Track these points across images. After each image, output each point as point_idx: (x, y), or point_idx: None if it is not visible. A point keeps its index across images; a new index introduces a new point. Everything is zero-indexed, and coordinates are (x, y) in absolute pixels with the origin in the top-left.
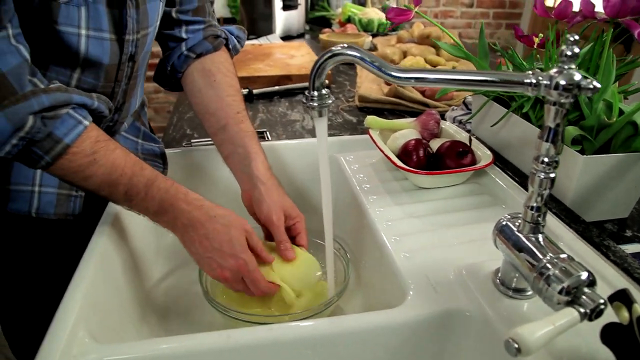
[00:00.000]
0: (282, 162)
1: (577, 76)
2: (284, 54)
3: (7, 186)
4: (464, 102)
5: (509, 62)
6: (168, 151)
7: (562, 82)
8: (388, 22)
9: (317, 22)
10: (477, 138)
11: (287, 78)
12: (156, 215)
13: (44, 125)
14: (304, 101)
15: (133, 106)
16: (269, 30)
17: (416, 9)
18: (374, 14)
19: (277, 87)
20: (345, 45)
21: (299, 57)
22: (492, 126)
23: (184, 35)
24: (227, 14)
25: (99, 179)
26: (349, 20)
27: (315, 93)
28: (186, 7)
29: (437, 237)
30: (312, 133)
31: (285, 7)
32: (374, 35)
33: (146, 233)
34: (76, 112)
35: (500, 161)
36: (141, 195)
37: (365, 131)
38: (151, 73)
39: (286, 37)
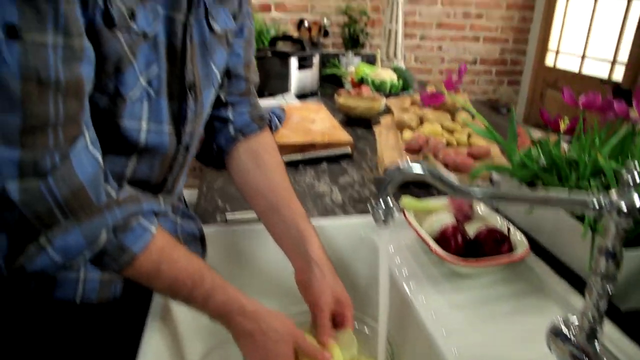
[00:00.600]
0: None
1: (638, 202)
2: (304, 117)
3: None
4: (490, 180)
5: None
6: (206, 229)
7: (624, 208)
8: (399, 83)
9: (329, 80)
10: (509, 219)
11: (311, 146)
12: (212, 318)
13: (116, 237)
14: (370, 210)
15: (179, 190)
16: (284, 88)
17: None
18: (386, 75)
19: (301, 156)
20: (411, 162)
21: (319, 122)
22: (526, 213)
23: (230, 116)
24: None
25: (161, 287)
26: (362, 80)
27: (382, 203)
28: (235, 89)
29: (485, 332)
30: (342, 208)
31: (301, 67)
32: (386, 96)
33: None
34: (144, 219)
35: (531, 243)
36: (199, 305)
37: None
38: None
39: (301, 96)
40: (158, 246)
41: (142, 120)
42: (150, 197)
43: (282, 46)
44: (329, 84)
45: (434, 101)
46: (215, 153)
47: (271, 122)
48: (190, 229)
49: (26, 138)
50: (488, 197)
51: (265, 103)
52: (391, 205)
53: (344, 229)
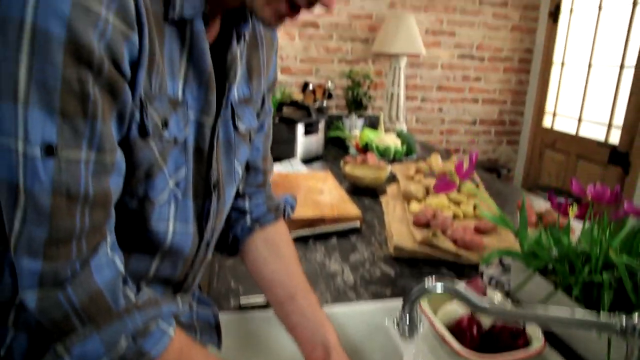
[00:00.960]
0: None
1: None
2: (311, 188)
3: None
4: (500, 262)
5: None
6: (221, 316)
7: None
8: (403, 148)
9: (333, 142)
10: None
11: (320, 220)
12: None
13: (135, 343)
14: (395, 322)
15: (198, 280)
16: (290, 153)
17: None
18: (390, 140)
19: (311, 231)
20: (438, 282)
21: (327, 193)
22: (539, 302)
23: (247, 207)
24: None
25: None
26: (366, 146)
27: (407, 318)
28: (252, 181)
29: None
30: (353, 290)
31: (307, 132)
32: (391, 162)
33: None
34: (163, 321)
35: (547, 333)
36: None
37: (405, 287)
38: None
39: (306, 160)
40: (176, 348)
41: (170, 222)
42: (170, 299)
43: (288, 112)
44: (333, 147)
45: (446, 189)
46: (230, 242)
47: (285, 210)
48: (206, 316)
49: (50, 250)
50: (512, 316)
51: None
52: (416, 320)
53: (357, 316)
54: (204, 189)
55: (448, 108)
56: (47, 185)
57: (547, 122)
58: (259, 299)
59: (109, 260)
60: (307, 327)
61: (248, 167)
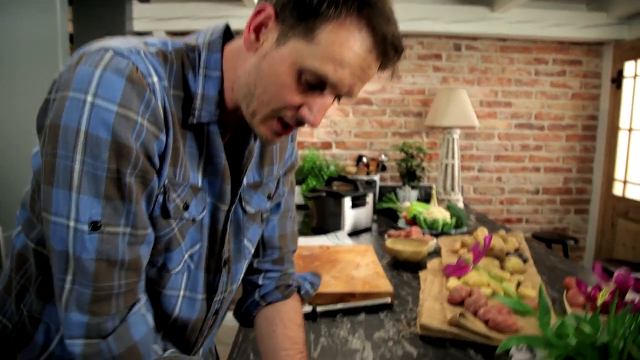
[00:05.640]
0: None
1: None
2: (349, 262)
3: None
4: (528, 347)
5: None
6: None
7: None
8: (452, 221)
9: (384, 213)
10: None
11: (351, 295)
12: None
13: None
14: None
15: (208, 344)
16: (337, 226)
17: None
18: (439, 214)
19: (340, 305)
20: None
21: (363, 268)
22: None
23: (260, 282)
24: (300, 201)
25: None
26: (414, 218)
27: None
28: (267, 257)
29: None
30: None
31: (354, 206)
32: (437, 235)
33: None
34: None
35: None
36: None
37: None
38: None
39: (354, 233)
40: None
41: (181, 291)
42: (190, 356)
43: (337, 186)
44: (384, 218)
45: (458, 273)
46: (243, 312)
47: (300, 288)
48: None
49: (95, 306)
50: None
51: (316, 241)
52: None
53: None
54: (215, 264)
55: (507, 177)
56: (92, 254)
57: (617, 190)
58: None
59: (142, 318)
60: None
61: (264, 245)
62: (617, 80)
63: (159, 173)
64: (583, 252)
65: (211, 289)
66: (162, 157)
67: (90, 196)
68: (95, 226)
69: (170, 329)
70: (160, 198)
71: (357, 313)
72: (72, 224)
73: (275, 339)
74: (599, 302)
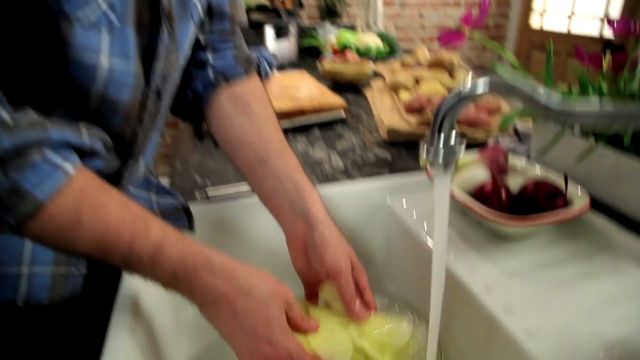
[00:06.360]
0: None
1: None
2: (286, 85)
3: None
4: (515, 131)
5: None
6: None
7: None
8: (385, 47)
9: (307, 52)
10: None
11: (299, 112)
12: (168, 286)
13: (5, 175)
14: (423, 153)
15: (150, 153)
16: None
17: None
18: (370, 40)
19: (290, 123)
20: (481, 78)
21: (304, 89)
22: (577, 161)
23: (210, 59)
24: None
25: (86, 245)
26: (345, 47)
27: (440, 142)
28: (216, 28)
29: (557, 302)
30: (345, 174)
31: (278, 36)
32: (372, 62)
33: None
34: (55, 154)
35: None
36: (145, 265)
37: (406, 168)
38: None
39: (279, 67)
40: (76, 188)
41: (101, 54)
42: (65, 125)
43: (256, 16)
44: (309, 56)
45: (454, 40)
46: (190, 102)
47: (260, 66)
48: (169, 202)
49: None
50: (595, 116)
51: None
52: (452, 143)
53: (353, 196)
54: (150, 18)
55: (429, 13)
56: None
57: (535, 22)
58: (229, 189)
59: None
60: (283, 194)
61: (211, 12)
62: None
63: None
64: None
65: (148, 54)
66: None
67: None
68: None
69: (95, 115)
70: None
71: (309, 130)
72: None
73: (252, 117)
74: (605, 65)
